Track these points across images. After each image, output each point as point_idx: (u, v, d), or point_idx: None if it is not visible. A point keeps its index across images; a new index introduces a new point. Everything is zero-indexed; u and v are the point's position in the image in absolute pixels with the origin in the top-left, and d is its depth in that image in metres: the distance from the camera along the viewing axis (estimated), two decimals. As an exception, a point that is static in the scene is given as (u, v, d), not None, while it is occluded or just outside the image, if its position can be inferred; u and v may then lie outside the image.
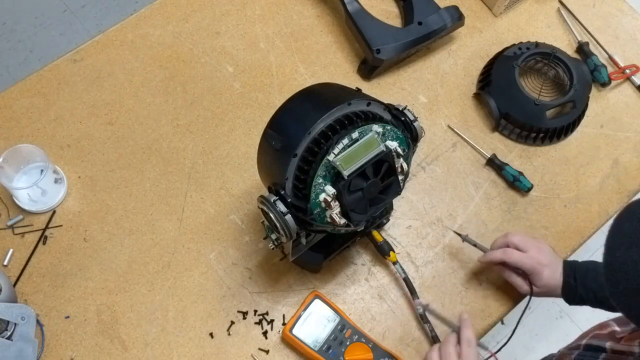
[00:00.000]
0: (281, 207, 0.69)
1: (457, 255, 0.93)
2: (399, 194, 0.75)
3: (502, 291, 0.92)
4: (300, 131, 0.68)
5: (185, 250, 0.90)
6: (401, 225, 0.95)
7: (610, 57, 1.11)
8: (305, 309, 0.85)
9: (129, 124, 0.99)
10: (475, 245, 0.89)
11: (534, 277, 0.84)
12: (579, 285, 0.83)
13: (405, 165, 0.74)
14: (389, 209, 0.90)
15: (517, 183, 0.97)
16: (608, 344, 0.68)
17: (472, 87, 1.07)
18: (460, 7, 1.06)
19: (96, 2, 2.06)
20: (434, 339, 0.86)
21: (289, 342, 0.85)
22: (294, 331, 0.83)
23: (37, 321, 0.83)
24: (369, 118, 0.70)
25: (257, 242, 0.92)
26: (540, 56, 1.05)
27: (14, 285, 0.86)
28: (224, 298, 0.88)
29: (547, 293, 0.85)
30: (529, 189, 0.97)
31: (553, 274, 0.84)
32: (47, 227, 0.90)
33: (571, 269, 0.84)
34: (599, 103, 1.07)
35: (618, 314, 0.71)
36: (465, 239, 0.90)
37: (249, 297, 0.88)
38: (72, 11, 2.04)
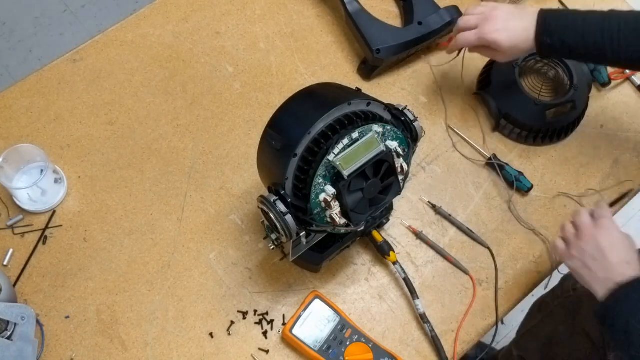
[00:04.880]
0: (281, 207, 0.69)
1: (457, 255, 0.93)
2: (399, 194, 0.75)
3: (502, 291, 0.92)
4: (300, 131, 0.68)
5: (185, 250, 0.90)
6: (401, 225, 0.95)
7: (610, 57, 1.11)
8: (305, 309, 0.85)
9: (129, 124, 0.99)
10: (448, 217, 0.95)
11: (486, 23, 0.82)
12: (555, 42, 0.79)
13: (405, 165, 0.74)
14: (389, 209, 0.90)
15: (517, 183, 0.97)
16: None
17: (472, 87, 1.07)
18: (460, 7, 1.06)
19: (96, 2, 2.06)
20: (434, 339, 0.86)
21: (289, 342, 0.85)
22: (294, 331, 0.83)
23: (37, 321, 0.83)
24: (369, 118, 0.71)
25: (257, 242, 0.92)
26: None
27: (14, 285, 0.86)
28: (224, 298, 0.88)
29: (514, 48, 0.82)
30: (529, 189, 0.97)
31: (512, 17, 0.81)
32: (47, 227, 0.90)
33: (544, 21, 0.79)
34: (599, 103, 1.08)
35: None
36: (439, 210, 0.94)
37: (249, 297, 0.88)
38: (72, 11, 2.04)
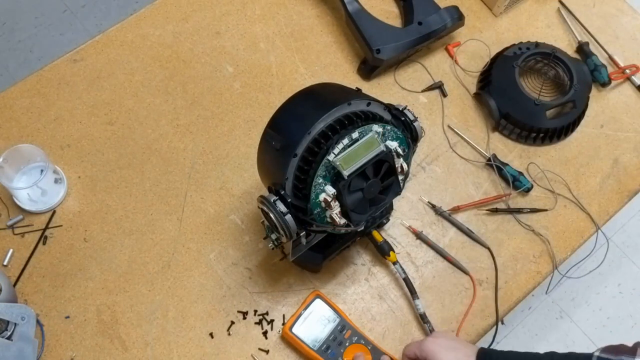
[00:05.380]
0: (281, 207, 0.69)
1: (457, 255, 0.93)
2: (399, 194, 0.75)
3: (502, 291, 0.92)
4: (300, 131, 0.68)
5: (185, 250, 0.90)
6: (401, 225, 0.95)
7: (610, 57, 1.11)
8: (305, 308, 0.85)
9: (129, 124, 0.99)
10: (448, 217, 0.95)
11: (427, 340, 0.78)
12: None
13: (405, 165, 0.74)
14: (389, 209, 0.90)
15: (517, 183, 0.97)
16: None
17: (472, 87, 1.07)
18: (460, 7, 1.06)
19: (96, 2, 2.06)
20: (434, 339, 0.86)
21: (289, 341, 0.85)
22: (294, 330, 0.83)
23: (37, 321, 0.83)
24: (369, 118, 0.71)
25: (257, 242, 0.92)
26: (540, 56, 1.05)
27: (14, 285, 0.86)
28: (224, 298, 0.88)
29: None
30: (529, 189, 0.97)
31: (455, 341, 0.77)
32: (47, 227, 0.90)
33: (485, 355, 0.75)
34: (599, 103, 1.08)
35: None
36: (439, 211, 0.95)
37: (249, 297, 0.88)
38: (72, 11, 2.04)
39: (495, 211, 0.96)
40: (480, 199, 0.97)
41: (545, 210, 0.97)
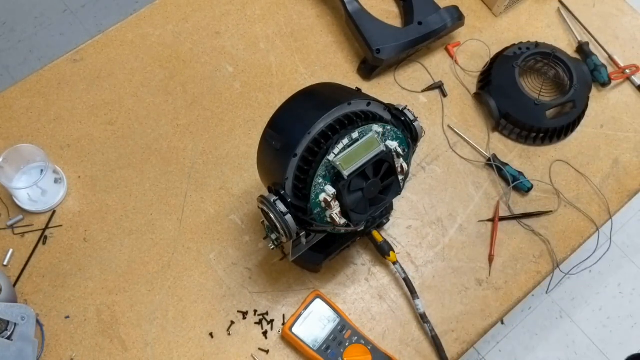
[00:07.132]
0: (281, 207, 0.69)
1: (457, 255, 0.93)
2: (399, 194, 0.75)
3: (502, 291, 0.92)
4: (300, 131, 0.68)
5: (185, 250, 0.90)
6: (401, 225, 0.95)
7: (610, 57, 1.11)
8: (305, 308, 0.85)
9: (129, 124, 0.99)
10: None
11: None
12: None
13: (405, 165, 0.74)
14: (389, 209, 0.90)
15: (517, 183, 0.97)
16: None
17: (472, 87, 1.07)
18: (460, 7, 1.06)
19: (96, 2, 2.06)
20: (434, 339, 0.86)
21: (289, 341, 0.85)
22: (294, 329, 0.83)
23: (37, 321, 0.83)
24: (369, 118, 0.71)
25: (257, 242, 0.92)
26: (540, 56, 1.05)
27: (14, 285, 0.86)
28: (224, 298, 0.88)
29: None
30: (529, 189, 0.97)
31: None
32: (47, 227, 0.90)
33: None
34: (599, 103, 1.08)
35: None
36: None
37: (249, 297, 0.88)
38: (72, 11, 2.04)
39: (501, 220, 0.96)
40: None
41: (550, 212, 0.96)
